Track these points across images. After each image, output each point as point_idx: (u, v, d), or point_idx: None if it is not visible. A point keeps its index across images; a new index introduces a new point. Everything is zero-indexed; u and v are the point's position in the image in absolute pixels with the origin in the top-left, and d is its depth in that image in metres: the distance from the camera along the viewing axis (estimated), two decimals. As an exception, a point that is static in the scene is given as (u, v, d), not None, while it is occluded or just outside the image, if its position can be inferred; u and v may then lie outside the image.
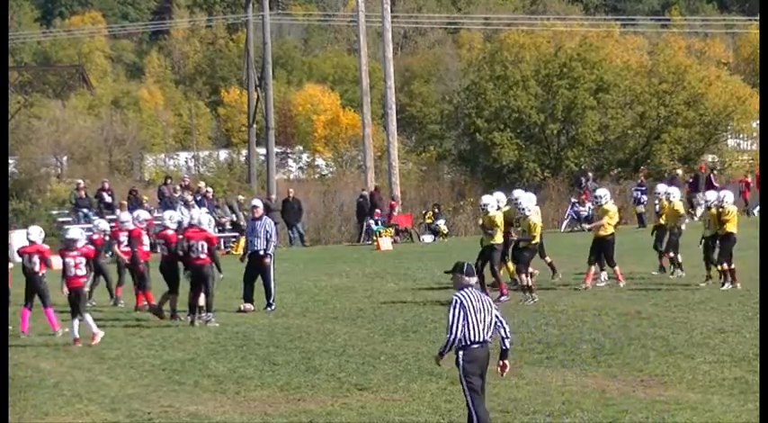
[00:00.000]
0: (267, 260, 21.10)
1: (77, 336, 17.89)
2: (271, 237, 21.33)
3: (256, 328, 18.82)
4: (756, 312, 17.61)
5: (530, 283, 20.62)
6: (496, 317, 11.00)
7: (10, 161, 49.76)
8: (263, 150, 54.39)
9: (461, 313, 10.79)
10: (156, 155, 69.27)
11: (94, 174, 54.30)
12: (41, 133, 62.21)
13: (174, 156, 69.77)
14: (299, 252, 36.96)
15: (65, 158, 62.70)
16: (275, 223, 38.65)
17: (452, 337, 10.78)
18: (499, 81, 52.20)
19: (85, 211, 38.63)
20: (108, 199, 39.09)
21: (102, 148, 64.22)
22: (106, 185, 40.46)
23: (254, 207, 22.11)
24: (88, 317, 18.10)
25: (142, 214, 22.58)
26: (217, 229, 37.89)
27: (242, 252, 22.64)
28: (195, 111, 77.70)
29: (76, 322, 17.95)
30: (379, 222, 40.36)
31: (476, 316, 10.84)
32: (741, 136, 56.78)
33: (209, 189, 40.89)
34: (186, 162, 68.82)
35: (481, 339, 10.85)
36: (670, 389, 13.55)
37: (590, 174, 44.98)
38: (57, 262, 32.33)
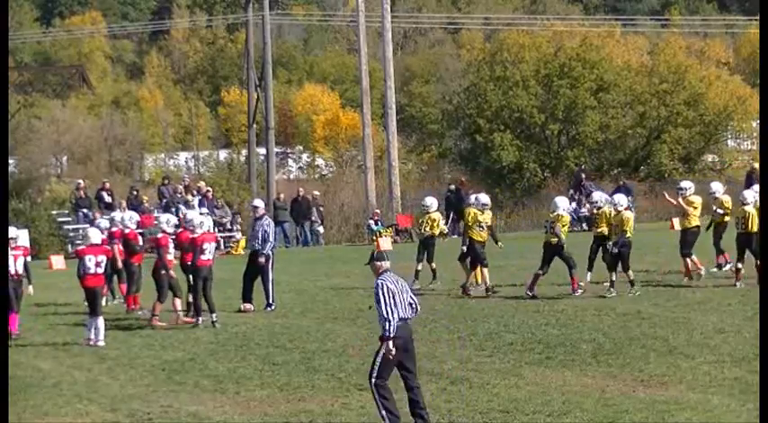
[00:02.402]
0: (261, 260, 21.04)
1: (92, 337, 17.73)
2: (268, 237, 21.28)
3: (256, 328, 18.82)
4: (756, 312, 17.59)
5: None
6: (411, 297, 12.09)
7: (10, 161, 49.75)
8: (263, 150, 54.40)
9: (390, 295, 11.80)
10: (156, 155, 69.33)
11: (94, 174, 54.35)
12: (41, 133, 62.28)
13: (174, 156, 69.85)
14: (300, 252, 36.95)
15: (65, 158, 62.77)
16: (283, 222, 39.10)
17: (393, 319, 11.75)
18: (499, 81, 52.20)
19: (85, 211, 38.64)
20: (108, 199, 39.08)
21: (102, 148, 64.30)
22: (106, 185, 40.48)
23: (255, 207, 22.09)
24: (101, 321, 17.91)
25: (135, 216, 22.56)
26: (217, 230, 38.04)
27: (242, 252, 22.71)
28: (195, 111, 77.73)
29: (97, 322, 17.78)
30: (380, 222, 40.38)
31: (397, 296, 11.90)
32: (741, 136, 56.77)
33: (209, 189, 40.88)
34: (186, 162, 68.89)
35: (403, 317, 11.90)
36: (670, 389, 13.55)
37: (583, 176, 44.11)
38: (57, 262, 32.60)
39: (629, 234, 20.72)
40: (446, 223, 40.02)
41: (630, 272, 20.76)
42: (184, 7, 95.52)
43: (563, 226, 21.18)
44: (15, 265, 18.71)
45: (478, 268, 22.05)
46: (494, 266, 25.50)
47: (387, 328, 11.74)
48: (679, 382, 13.83)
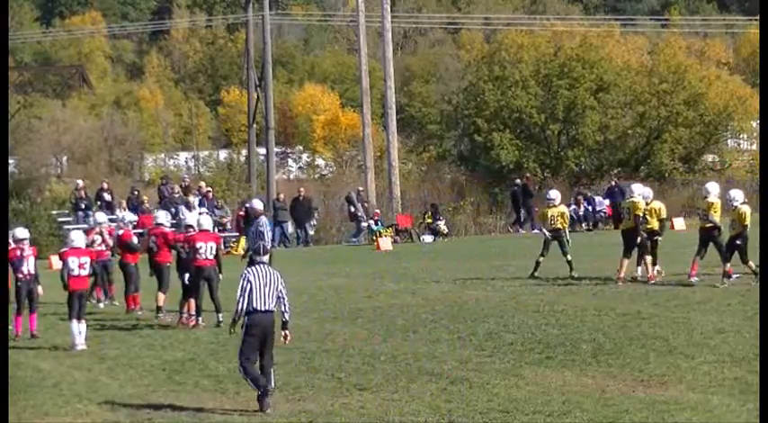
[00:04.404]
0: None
1: (79, 340, 17.71)
2: (262, 236, 21.22)
3: (256, 328, 18.78)
4: (756, 312, 17.59)
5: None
6: (280, 292, 13.30)
7: (10, 161, 49.79)
8: (263, 150, 54.43)
9: (248, 285, 13.05)
10: (156, 155, 69.36)
11: (94, 174, 54.37)
12: (41, 133, 62.33)
13: (174, 156, 69.90)
14: (299, 252, 36.94)
15: (65, 158, 62.83)
16: (283, 222, 39.07)
17: (239, 306, 13.02)
18: (498, 81, 52.19)
19: (85, 210, 38.61)
20: (108, 199, 39.07)
21: (102, 148, 64.37)
22: (105, 186, 40.47)
23: (252, 207, 22.07)
24: (83, 324, 17.90)
25: (129, 216, 22.61)
26: (217, 229, 38.01)
27: (242, 252, 22.60)
28: (195, 111, 77.77)
29: (79, 324, 17.78)
30: (380, 222, 40.36)
31: (262, 288, 13.09)
32: (741, 136, 56.78)
33: (209, 189, 40.85)
34: (186, 162, 68.93)
35: (264, 308, 13.08)
36: (670, 389, 13.54)
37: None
38: (57, 262, 32.56)
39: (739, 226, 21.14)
40: (518, 219, 40.61)
41: (732, 266, 21.21)
42: (184, 7, 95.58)
43: (715, 212, 21.48)
44: (27, 264, 18.89)
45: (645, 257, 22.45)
46: (493, 266, 25.54)
47: (235, 312, 13.08)
48: (679, 382, 13.82)
